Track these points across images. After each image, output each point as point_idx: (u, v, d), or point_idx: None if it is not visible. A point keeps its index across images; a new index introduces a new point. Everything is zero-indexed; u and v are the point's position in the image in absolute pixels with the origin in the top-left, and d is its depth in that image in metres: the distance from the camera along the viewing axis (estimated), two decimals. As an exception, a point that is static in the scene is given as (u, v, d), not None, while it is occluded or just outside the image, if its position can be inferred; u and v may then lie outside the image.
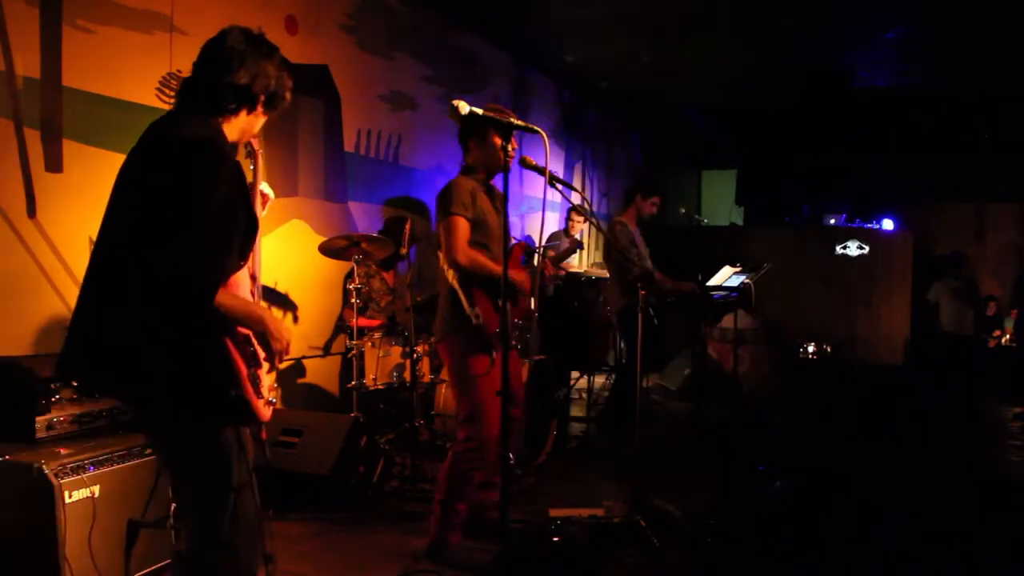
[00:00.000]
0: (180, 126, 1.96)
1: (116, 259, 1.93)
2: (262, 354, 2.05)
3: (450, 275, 3.15)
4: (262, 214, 2.33)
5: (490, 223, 3.22)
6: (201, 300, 1.84)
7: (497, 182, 3.31)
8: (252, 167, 2.31)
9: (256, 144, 2.34)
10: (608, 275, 6.91)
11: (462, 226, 3.12)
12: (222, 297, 1.88)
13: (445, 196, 3.18)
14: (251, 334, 2.01)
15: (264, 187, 2.38)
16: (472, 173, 3.29)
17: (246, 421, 2.02)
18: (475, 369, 3.12)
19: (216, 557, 2.02)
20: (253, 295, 2.13)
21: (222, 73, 2.02)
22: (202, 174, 1.86)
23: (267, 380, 2.12)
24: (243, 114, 2.10)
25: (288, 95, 2.19)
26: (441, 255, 3.19)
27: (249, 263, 2.15)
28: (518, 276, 3.29)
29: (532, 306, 3.30)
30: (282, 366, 2.18)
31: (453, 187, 3.19)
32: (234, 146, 2.18)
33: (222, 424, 1.98)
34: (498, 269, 2.98)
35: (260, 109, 2.14)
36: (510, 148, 2.45)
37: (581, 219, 7.13)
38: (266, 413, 2.08)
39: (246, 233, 2.03)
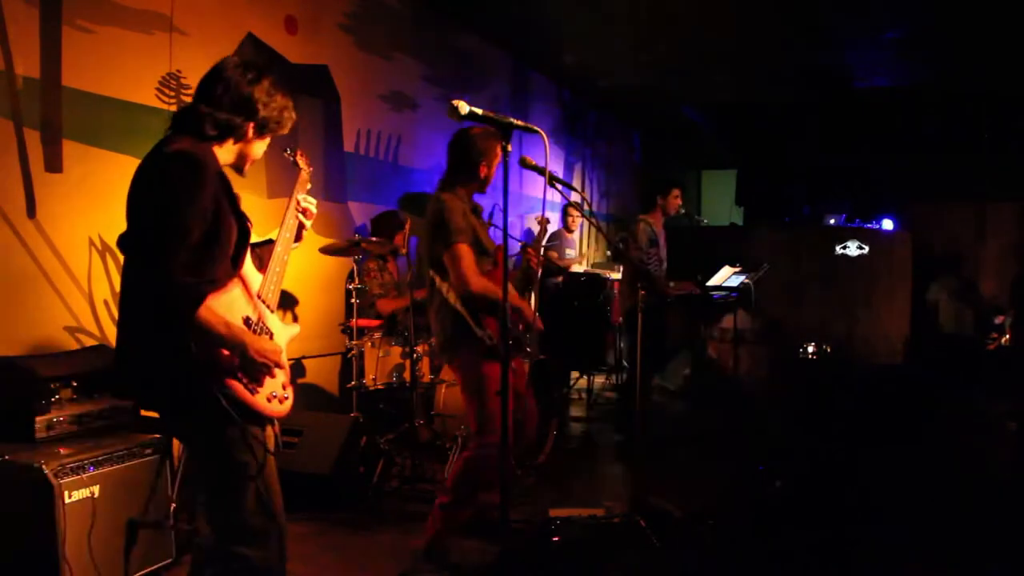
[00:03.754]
0: (165, 144, 2.01)
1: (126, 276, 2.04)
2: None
3: (451, 297, 3.14)
4: (307, 224, 2.36)
5: (482, 239, 3.24)
6: (189, 304, 1.88)
7: (496, 185, 3.30)
8: (295, 181, 2.37)
9: (303, 163, 2.41)
10: (613, 275, 6.93)
11: (468, 254, 3.10)
12: (203, 312, 1.90)
13: (442, 224, 3.12)
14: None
15: (302, 199, 2.34)
16: (454, 189, 3.26)
17: (245, 418, 2.02)
18: (493, 378, 3.10)
19: (246, 548, 2.05)
20: (250, 321, 2.09)
21: (205, 104, 2.07)
22: (183, 182, 1.92)
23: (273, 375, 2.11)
24: (230, 143, 2.12)
25: (285, 122, 2.18)
26: (438, 278, 3.17)
27: (257, 285, 2.15)
28: (517, 302, 3.27)
29: (532, 307, 3.30)
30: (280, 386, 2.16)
31: (447, 212, 3.14)
32: (239, 166, 2.20)
33: (221, 423, 1.99)
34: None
35: (251, 136, 2.14)
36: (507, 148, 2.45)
37: (578, 213, 7.15)
38: (273, 408, 2.07)
39: (238, 242, 2.06)
